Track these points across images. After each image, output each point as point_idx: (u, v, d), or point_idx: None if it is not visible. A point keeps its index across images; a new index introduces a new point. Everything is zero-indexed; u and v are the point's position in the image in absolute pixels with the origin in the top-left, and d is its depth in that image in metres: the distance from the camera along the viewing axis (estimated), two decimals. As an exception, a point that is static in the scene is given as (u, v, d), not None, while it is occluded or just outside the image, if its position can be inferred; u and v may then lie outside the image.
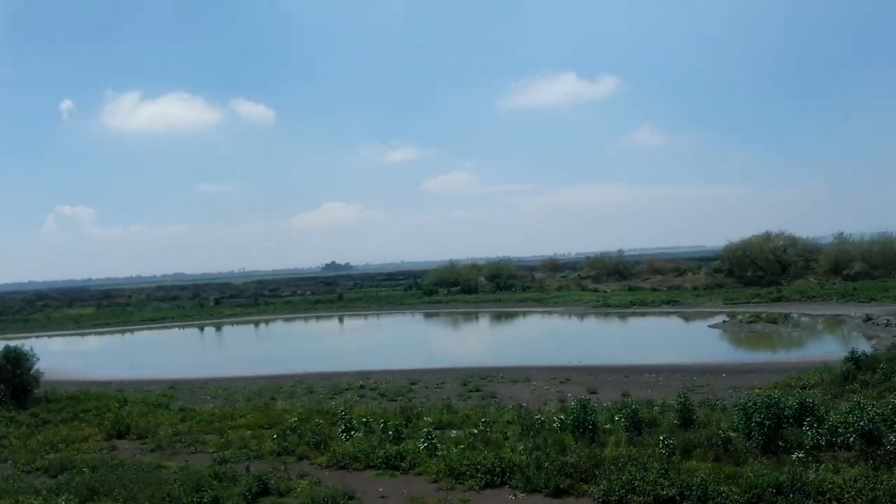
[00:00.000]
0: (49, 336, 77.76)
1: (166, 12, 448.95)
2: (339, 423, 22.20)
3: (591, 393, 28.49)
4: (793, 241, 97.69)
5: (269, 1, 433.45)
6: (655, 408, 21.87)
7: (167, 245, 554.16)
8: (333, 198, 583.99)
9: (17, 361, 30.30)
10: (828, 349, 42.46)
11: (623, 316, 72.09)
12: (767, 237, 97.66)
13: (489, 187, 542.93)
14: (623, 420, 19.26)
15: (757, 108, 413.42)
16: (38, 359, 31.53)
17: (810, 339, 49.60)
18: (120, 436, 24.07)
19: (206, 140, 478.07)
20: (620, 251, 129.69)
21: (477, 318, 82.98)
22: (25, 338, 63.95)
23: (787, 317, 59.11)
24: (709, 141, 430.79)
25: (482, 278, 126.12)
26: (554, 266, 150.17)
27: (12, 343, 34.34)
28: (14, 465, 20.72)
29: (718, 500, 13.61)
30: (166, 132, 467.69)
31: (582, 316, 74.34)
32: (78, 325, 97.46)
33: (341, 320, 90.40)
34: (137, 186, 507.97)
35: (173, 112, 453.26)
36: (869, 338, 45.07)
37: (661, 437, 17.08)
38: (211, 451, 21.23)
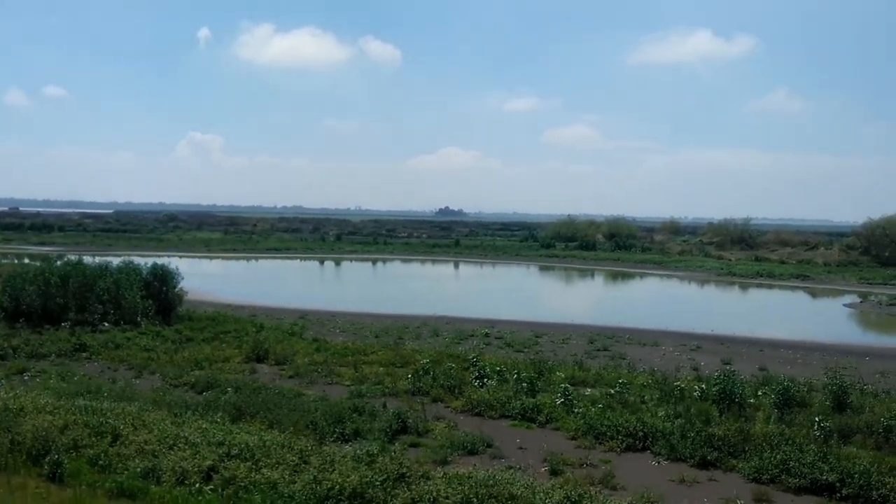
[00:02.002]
0: (180, 257, 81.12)
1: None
2: (471, 369, 22.29)
3: (725, 364, 27.50)
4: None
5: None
6: (802, 386, 20.86)
7: (289, 177, 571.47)
8: (452, 143, 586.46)
9: (164, 279, 31.75)
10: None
11: (749, 286, 69.59)
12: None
13: (610, 143, 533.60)
14: (773, 396, 18.47)
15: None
16: (183, 278, 32.94)
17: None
18: (259, 360, 24.90)
19: (334, 77, 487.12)
20: (747, 218, 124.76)
21: (594, 275, 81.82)
22: (159, 256, 67.05)
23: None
24: (847, 109, 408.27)
25: (600, 236, 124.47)
26: (674, 229, 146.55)
27: (150, 260, 36.03)
28: (163, 377, 21.74)
29: (882, 491, 12.84)
30: (296, 66, 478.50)
31: (705, 283, 72.16)
32: (208, 248, 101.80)
33: (457, 266, 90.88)
34: (265, 118, 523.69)
35: (304, 47, 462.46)
36: None
37: (817, 419, 16.29)
38: (347, 383, 21.69)
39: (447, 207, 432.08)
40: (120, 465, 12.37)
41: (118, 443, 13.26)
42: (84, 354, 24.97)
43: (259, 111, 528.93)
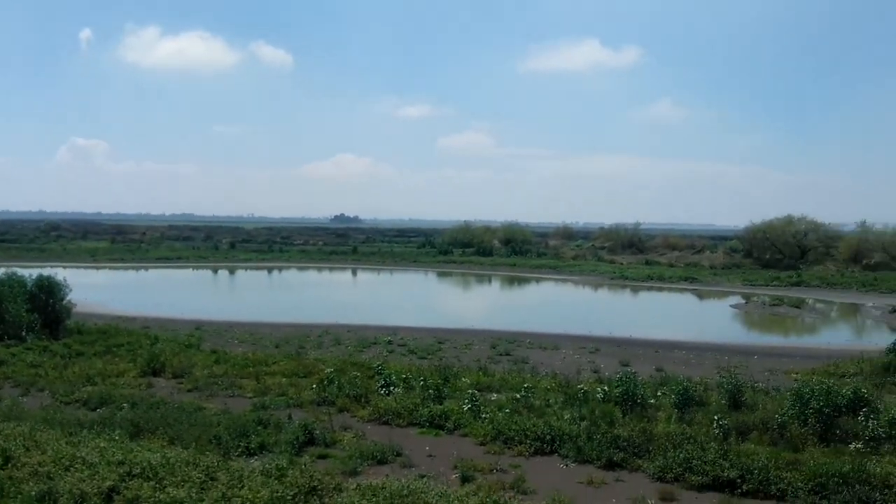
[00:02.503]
0: (64, 267, 77.59)
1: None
2: (376, 377, 22.11)
3: (624, 365, 28.28)
4: (814, 227, 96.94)
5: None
6: (699, 386, 21.61)
7: (178, 184, 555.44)
8: (346, 149, 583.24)
9: (51, 291, 30.26)
10: (855, 338, 42.26)
11: (641, 289, 71.91)
12: (789, 220, 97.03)
13: (503, 150, 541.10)
14: (673, 396, 19.04)
15: (780, 89, 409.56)
16: (71, 289, 31.46)
17: (835, 327, 49.30)
18: (155, 373, 24.03)
19: (223, 81, 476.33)
20: (637, 224, 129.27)
21: (492, 281, 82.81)
22: (42, 267, 63.89)
23: (807, 302, 58.76)
24: (728, 119, 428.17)
25: (496, 241, 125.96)
26: (567, 234, 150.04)
27: (34, 272, 34.24)
28: (52, 395, 20.68)
29: (780, 485, 13.33)
30: (184, 70, 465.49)
31: (599, 286, 74.11)
32: (94, 258, 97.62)
33: (355, 273, 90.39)
34: (152, 123, 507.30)
35: (192, 50, 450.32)
36: (894, 329, 44.68)
37: (716, 418, 16.88)
38: (249, 395, 21.16)
39: (342, 214, 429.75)
40: (13, 489, 11.63)
41: (10, 465, 12.52)
42: (-37, 372, 23.52)
43: (145, 116, 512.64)
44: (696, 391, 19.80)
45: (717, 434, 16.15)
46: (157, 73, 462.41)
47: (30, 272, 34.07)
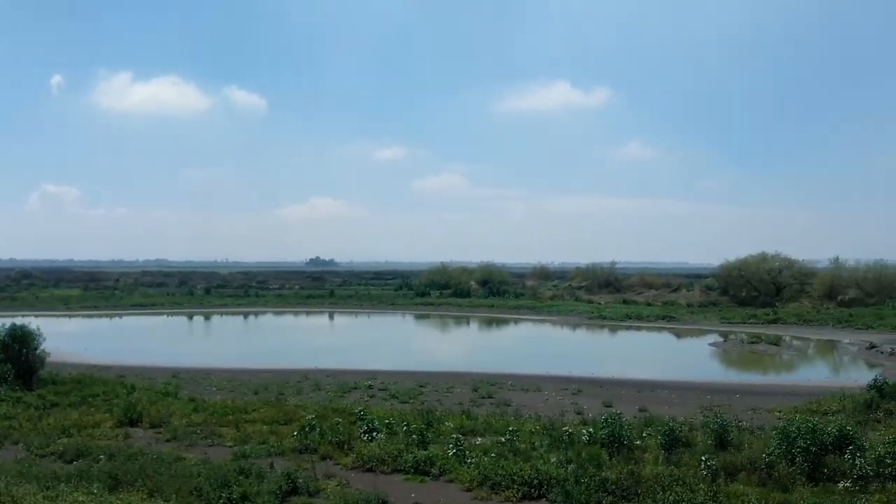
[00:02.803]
0: (36, 316, 76.39)
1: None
2: (358, 423, 21.81)
3: (607, 406, 28.17)
4: (788, 264, 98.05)
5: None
6: (684, 426, 21.53)
7: (151, 230, 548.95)
8: (321, 192, 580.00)
9: (24, 340, 29.66)
10: (834, 375, 42.49)
11: (619, 329, 72.03)
12: (764, 258, 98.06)
13: (478, 191, 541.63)
14: (659, 437, 18.94)
15: (747, 128, 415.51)
16: (45, 339, 30.89)
17: (814, 364, 49.55)
18: (132, 423, 23.53)
19: (196, 126, 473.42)
20: (613, 263, 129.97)
21: (470, 322, 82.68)
22: (13, 316, 62.95)
23: (785, 339, 59.14)
24: (697, 158, 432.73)
25: (473, 282, 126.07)
26: (544, 274, 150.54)
27: (3, 321, 33.57)
28: (27, 447, 20.17)
29: (772, 526, 13.29)
30: (156, 115, 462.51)
31: (578, 327, 74.21)
32: (66, 306, 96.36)
33: (332, 317, 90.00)
34: (124, 169, 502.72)
35: (165, 96, 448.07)
36: (872, 366, 45.04)
37: (703, 458, 16.78)
38: (229, 444, 20.77)
39: (318, 257, 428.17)
40: (-12, 548, 11.28)
41: (-16, 523, 12.12)
42: (-66, 426, 22.90)
43: (118, 161, 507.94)
44: (681, 431, 19.72)
45: (706, 475, 16.03)
46: (129, 118, 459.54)
47: (1, 321, 33.43)
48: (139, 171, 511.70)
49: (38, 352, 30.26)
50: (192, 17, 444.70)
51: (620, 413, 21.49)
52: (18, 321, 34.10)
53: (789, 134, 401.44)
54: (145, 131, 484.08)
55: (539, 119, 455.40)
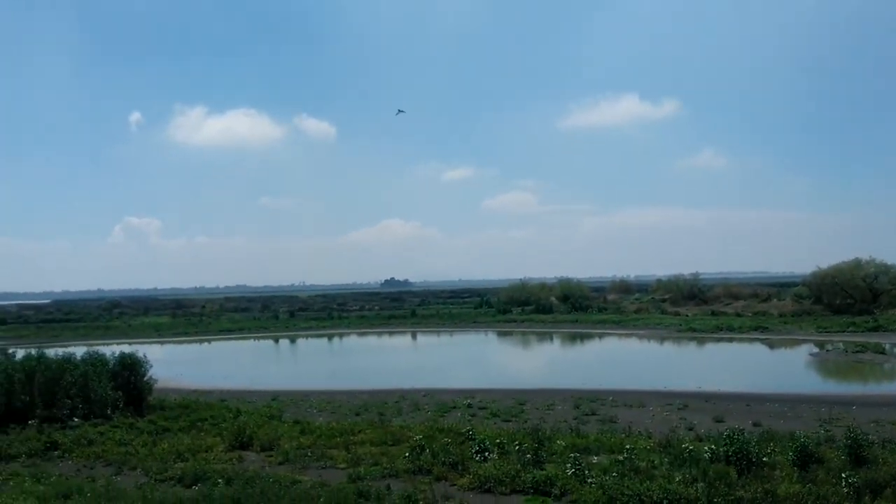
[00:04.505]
0: (130, 343, 78.70)
1: (236, 29, 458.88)
2: (468, 443, 21.54)
3: (718, 421, 27.36)
4: (884, 269, 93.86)
5: (332, 20, 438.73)
6: (810, 440, 20.57)
7: (229, 257, 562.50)
8: (392, 214, 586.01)
9: (133, 368, 30.41)
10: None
11: (711, 340, 70.27)
12: (858, 264, 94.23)
13: (547, 207, 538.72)
14: (790, 453, 18.13)
15: (822, 130, 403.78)
16: (152, 366, 31.61)
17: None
18: (243, 447, 23.73)
19: (269, 154, 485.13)
20: (696, 274, 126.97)
21: (555, 338, 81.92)
22: (109, 344, 65.03)
23: (885, 347, 56.59)
24: (771, 165, 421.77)
25: (554, 298, 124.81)
26: (625, 287, 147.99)
27: (112, 349, 34.59)
28: (145, 473, 20.49)
29: (931, 547, 12.47)
30: (231, 146, 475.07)
31: (667, 339, 72.62)
32: (158, 333, 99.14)
33: (416, 336, 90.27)
34: (201, 199, 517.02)
35: (238, 127, 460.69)
36: None
37: (844, 475, 15.94)
38: (342, 466, 20.71)
39: (393, 278, 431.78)
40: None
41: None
42: (56, 453, 23.48)
43: (195, 192, 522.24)
44: (812, 446, 18.83)
45: (848, 493, 15.23)
46: (205, 150, 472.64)
47: (112, 350, 34.47)
48: (216, 200, 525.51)
49: (146, 379, 30.98)
50: (261, 49, 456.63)
51: (742, 429, 20.69)
52: (116, 349, 35.17)
53: (866, 135, 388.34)
54: (221, 162, 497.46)
55: (607, 133, 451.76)
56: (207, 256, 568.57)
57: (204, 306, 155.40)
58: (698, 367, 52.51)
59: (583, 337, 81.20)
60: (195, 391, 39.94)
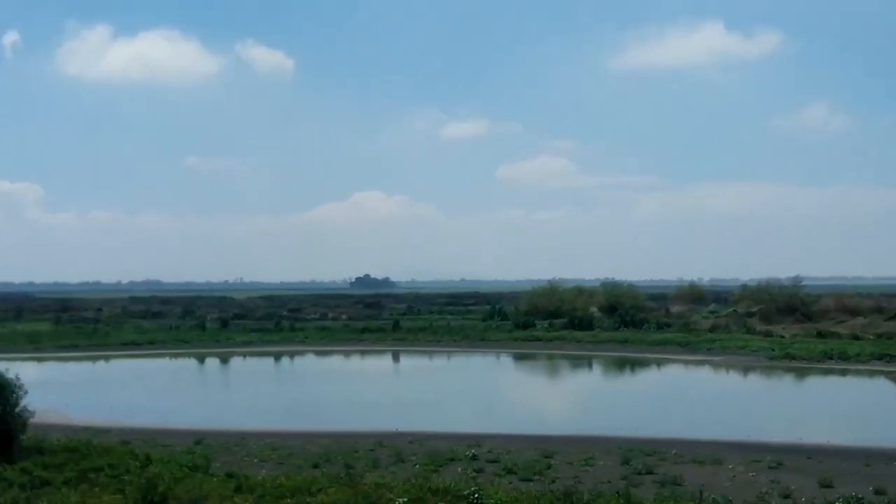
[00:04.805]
0: (-4, 359, 79.08)
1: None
2: (473, 510, 21.66)
3: (825, 486, 27.46)
4: None
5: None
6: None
7: (138, 240, 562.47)
8: (369, 185, 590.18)
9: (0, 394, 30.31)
10: None
11: (816, 373, 70.62)
12: None
13: (591, 178, 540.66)
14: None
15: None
16: (26, 392, 31.51)
17: None
18: (154, 508, 23.84)
19: (199, 96, 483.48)
20: (797, 278, 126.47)
21: (594, 365, 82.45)
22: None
23: None
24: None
25: (595, 308, 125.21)
26: (696, 296, 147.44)
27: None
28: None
29: None
30: (145, 84, 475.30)
31: (753, 370, 73.06)
32: (36, 346, 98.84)
33: (397, 357, 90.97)
34: (101, 157, 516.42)
35: (156, 55, 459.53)
36: None
37: None
38: (294, 541, 20.83)
39: (367, 276, 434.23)
40: None
41: None
42: None
43: (91, 147, 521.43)
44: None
45: None
46: (107, 88, 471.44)
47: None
48: (121, 160, 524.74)
49: (17, 410, 30.82)
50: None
51: (860, 496, 20.80)
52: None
53: None
54: (130, 106, 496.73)
55: (678, 77, 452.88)
56: (107, 239, 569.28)
57: (100, 309, 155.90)
58: (798, 410, 52.62)
59: (635, 364, 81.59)
60: (87, 428, 40.01)
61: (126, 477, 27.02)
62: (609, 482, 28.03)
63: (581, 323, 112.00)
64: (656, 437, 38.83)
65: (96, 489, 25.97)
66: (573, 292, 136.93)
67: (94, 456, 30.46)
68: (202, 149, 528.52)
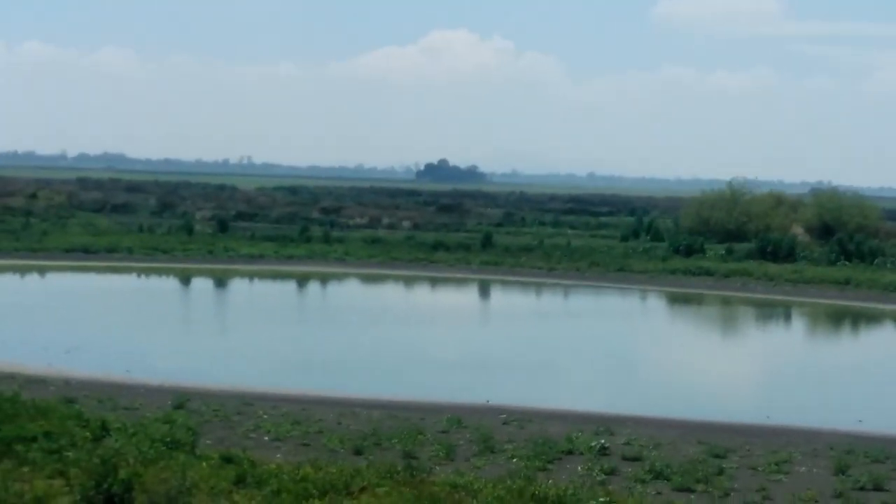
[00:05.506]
0: None
1: None
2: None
3: None
4: None
5: None
6: None
7: (98, 90, 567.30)
8: (451, 20, 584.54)
9: None
10: None
11: None
12: None
13: (797, 25, 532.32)
14: None
15: None
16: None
17: None
18: (110, 500, 24.10)
19: None
20: None
21: (790, 315, 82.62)
22: None
23: None
24: None
25: (800, 228, 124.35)
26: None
27: None
28: None
29: None
30: None
31: None
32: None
33: (486, 290, 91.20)
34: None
35: None
36: None
37: None
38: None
39: (444, 162, 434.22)
40: None
41: None
42: None
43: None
44: None
45: None
46: None
47: None
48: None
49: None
50: None
51: None
52: None
53: None
54: None
55: None
56: (45, 85, 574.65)
57: (34, 196, 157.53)
58: None
59: (860, 319, 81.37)
60: (11, 377, 40.78)
61: (70, 454, 27.30)
62: (817, 502, 27.92)
63: (777, 251, 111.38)
64: (890, 433, 38.69)
65: (24, 469, 26.30)
66: (766, 203, 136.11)
67: (22, 418, 30.95)
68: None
